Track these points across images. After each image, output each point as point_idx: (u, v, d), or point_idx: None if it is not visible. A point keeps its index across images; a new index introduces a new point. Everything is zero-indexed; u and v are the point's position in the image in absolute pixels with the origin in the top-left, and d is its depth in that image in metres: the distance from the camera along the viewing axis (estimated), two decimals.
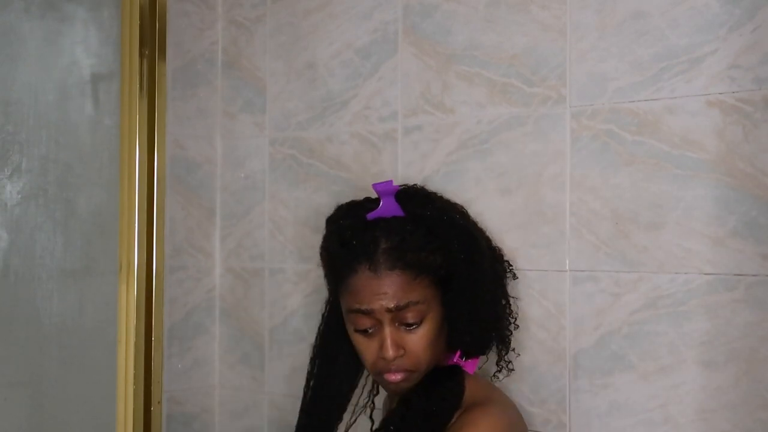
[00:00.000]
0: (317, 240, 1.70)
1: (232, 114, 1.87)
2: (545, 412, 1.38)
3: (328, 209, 1.69)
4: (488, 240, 1.33)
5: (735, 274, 1.22)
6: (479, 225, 1.33)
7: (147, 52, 1.74)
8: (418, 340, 1.18)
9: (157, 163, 1.75)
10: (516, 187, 1.43)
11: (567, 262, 1.37)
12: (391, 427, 1.19)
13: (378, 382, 1.26)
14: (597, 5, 1.35)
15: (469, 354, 1.26)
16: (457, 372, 1.24)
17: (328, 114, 1.70)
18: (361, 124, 1.64)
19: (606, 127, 1.34)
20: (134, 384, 1.69)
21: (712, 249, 1.24)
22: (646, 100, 1.30)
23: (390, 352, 1.17)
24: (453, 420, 1.18)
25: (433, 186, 1.52)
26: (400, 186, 1.27)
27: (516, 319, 1.32)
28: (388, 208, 1.22)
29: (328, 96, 1.70)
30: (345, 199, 1.66)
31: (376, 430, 1.24)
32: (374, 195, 1.26)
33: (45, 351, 1.71)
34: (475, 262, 1.22)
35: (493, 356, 1.31)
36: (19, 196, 1.68)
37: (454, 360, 1.26)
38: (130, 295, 1.71)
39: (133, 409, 1.70)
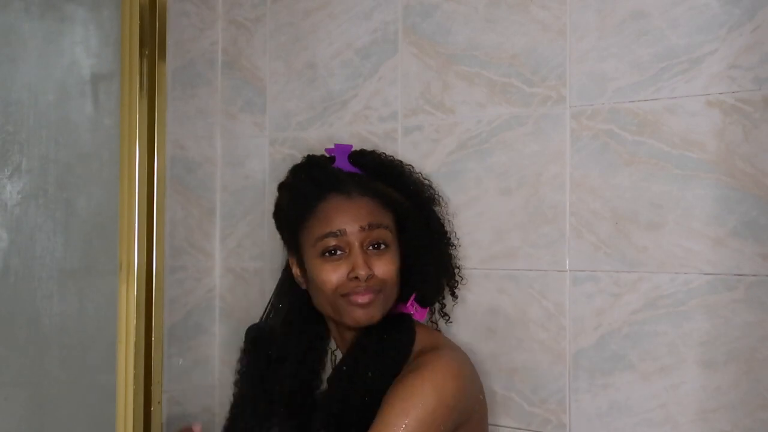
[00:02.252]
0: None
1: (232, 114, 1.87)
2: (545, 412, 1.38)
3: None
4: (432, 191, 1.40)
5: (735, 274, 1.22)
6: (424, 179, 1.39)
7: (147, 52, 1.74)
8: (386, 264, 1.23)
9: (157, 163, 1.75)
10: (516, 187, 1.43)
11: (567, 262, 1.37)
12: (344, 369, 1.23)
13: (340, 309, 1.24)
14: (597, 5, 1.35)
15: (420, 301, 1.30)
16: (408, 319, 1.28)
17: (328, 114, 1.70)
18: (361, 124, 1.64)
19: (606, 127, 1.34)
20: (134, 384, 1.69)
21: (712, 249, 1.24)
22: (646, 100, 1.30)
23: (362, 271, 1.20)
24: (404, 366, 1.21)
25: (433, 186, 1.52)
26: (353, 148, 1.35)
27: (460, 270, 1.39)
28: (345, 165, 1.30)
29: (328, 96, 1.70)
30: None
31: (329, 377, 1.27)
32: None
33: (45, 351, 1.71)
34: (427, 207, 1.33)
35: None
36: (19, 196, 1.68)
37: (406, 307, 1.29)
38: (130, 295, 1.71)
39: (133, 409, 1.70)
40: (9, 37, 1.68)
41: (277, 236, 1.78)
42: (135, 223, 1.71)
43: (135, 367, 1.70)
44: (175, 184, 1.80)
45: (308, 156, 1.36)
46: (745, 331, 1.21)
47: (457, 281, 1.38)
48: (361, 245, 1.22)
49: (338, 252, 1.23)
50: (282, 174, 1.77)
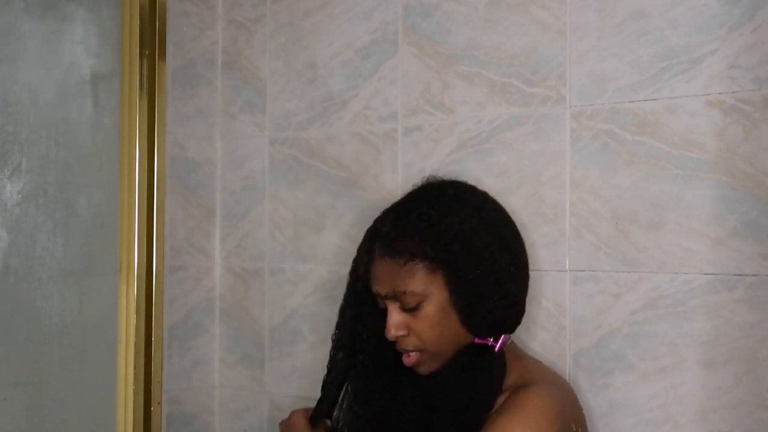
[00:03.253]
0: (317, 240, 1.71)
1: (232, 114, 1.87)
2: None
3: (328, 209, 1.69)
4: (495, 229, 1.25)
5: (735, 274, 1.22)
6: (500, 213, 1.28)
7: (147, 52, 1.74)
8: (420, 322, 1.19)
9: (157, 163, 1.75)
10: (516, 187, 1.43)
11: (567, 262, 1.37)
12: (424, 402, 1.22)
13: None
14: (597, 5, 1.35)
15: (490, 334, 1.21)
16: (486, 352, 1.20)
17: (328, 114, 1.70)
18: (361, 124, 1.64)
19: (606, 127, 1.34)
20: (134, 384, 1.69)
21: (712, 249, 1.24)
22: (646, 100, 1.30)
23: (390, 333, 1.20)
24: (495, 406, 1.16)
25: None
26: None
27: (518, 296, 1.25)
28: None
29: (328, 96, 1.70)
30: (345, 199, 1.67)
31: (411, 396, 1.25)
32: None
33: (45, 351, 1.71)
34: (470, 243, 1.19)
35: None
36: (19, 196, 1.67)
37: (478, 339, 1.21)
38: (130, 295, 1.71)
39: (133, 409, 1.69)
40: (9, 37, 1.68)
41: (278, 236, 1.79)
42: (135, 223, 1.71)
43: (135, 367, 1.70)
44: (175, 184, 1.80)
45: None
46: (745, 331, 1.21)
47: (511, 308, 1.23)
48: (393, 304, 1.20)
49: (385, 306, 1.23)
50: (282, 173, 1.78)
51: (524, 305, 1.25)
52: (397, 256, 1.18)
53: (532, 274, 1.41)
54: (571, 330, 1.37)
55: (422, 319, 1.18)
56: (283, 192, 1.77)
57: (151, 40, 1.75)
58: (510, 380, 1.19)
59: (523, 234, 1.42)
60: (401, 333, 1.20)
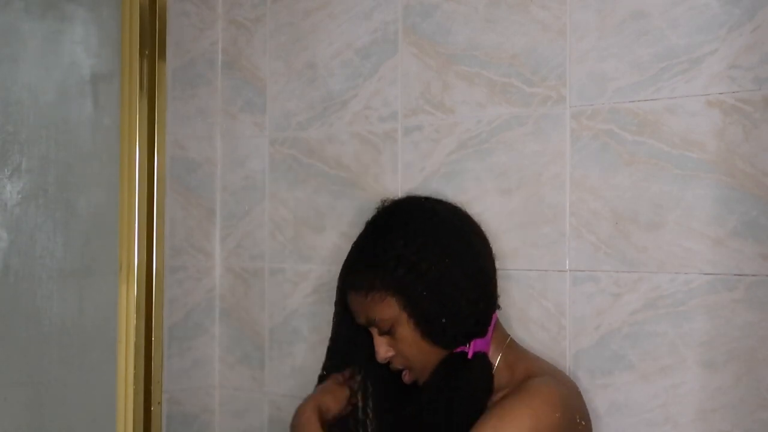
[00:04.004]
0: (317, 240, 1.71)
1: (232, 114, 1.87)
2: None
3: (328, 209, 1.69)
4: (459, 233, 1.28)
5: (735, 274, 1.22)
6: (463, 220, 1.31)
7: (147, 52, 1.74)
8: (399, 343, 1.24)
9: (157, 163, 1.75)
10: (516, 187, 1.43)
11: (567, 262, 1.37)
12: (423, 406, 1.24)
13: None
14: (597, 5, 1.35)
15: (456, 344, 1.24)
16: (471, 359, 1.23)
17: (328, 114, 1.70)
18: (361, 124, 1.64)
19: (606, 127, 1.34)
20: (134, 384, 1.69)
21: (712, 249, 1.24)
22: (646, 100, 1.30)
23: (379, 357, 1.25)
24: (500, 396, 1.19)
25: (433, 186, 1.52)
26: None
27: (486, 288, 1.26)
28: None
29: (328, 96, 1.70)
30: (345, 199, 1.67)
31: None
32: None
33: (45, 351, 1.71)
34: (422, 262, 1.21)
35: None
36: (19, 196, 1.67)
37: (456, 349, 1.24)
38: (130, 295, 1.71)
39: (133, 409, 1.69)
40: (9, 37, 1.68)
41: (278, 236, 1.79)
42: (135, 223, 1.71)
43: (135, 367, 1.70)
44: (175, 184, 1.80)
45: None
46: (745, 331, 1.21)
47: (488, 310, 1.26)
48: (375, 330, 1.26)
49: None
50: (282, 173, 1.78)
51: (491, 305, 1.26)
52: (359, 289, 1.24)
53: (532, 274, 1.41)
54: (571, 330, 1.37)
55: (400, 340, 1.24)
56: (283, 192, 1.77)
57: (151, 40, 1.75)
58: (516, 375, 1.23)
59: (523, 234, 1.42)
60: (390, 354, 1.25)
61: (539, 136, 1.41)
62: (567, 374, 1.31)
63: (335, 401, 1.36)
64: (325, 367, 1.39)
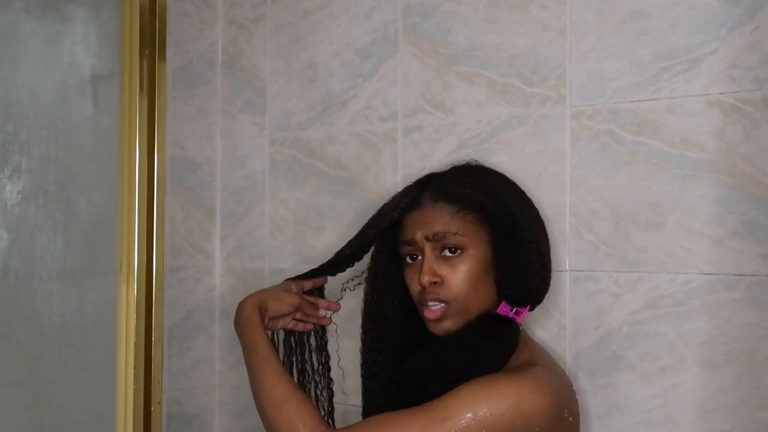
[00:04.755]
0: (317, 240, 1.71)
1: (232, 114, 1.87)
2: None
3: (328, 209, 1.69)
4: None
5: (735, 274, 1.22)
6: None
7: (147, 52, 1.74)
8: (457, 272, 1.21)
9: (157, 163, 1.75)
10: None
11: (567, 262, 1.37)
12: (434, 356, 1.22)
13: (422, 318, 1.25)
14: (597, 5, 1.35)
15: (517, 302, 1.24)
16: (511, 324, 1.23)
17: (328, 114, 1.70)
18: (361, 124, 1.64)
19: (606, 127, 1.34)
20: (134, 384, 1.69)
21: (712, 249, 1.24)
22: (646, 100, 1.30)
23: (425, 277, 1.20)
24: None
25: None
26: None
27: (548, 270, 1.29)
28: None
29: (328, 96, 1.70)
30: (345, 199, 1.67)
31: (411, 365, 1.25)
32: None
33: (45, 351, 1.72)
34: (524, 212, 1.27)
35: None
36: (19, 196, 1.68)
37: (501, 309, 1.24)
38: (130, 295, 1.71)
39: (133, 409, 1.69)
40: (9, 37, 1.68)
41: (278, 236, 1.78)
42: (135, 223, 1.71)
43: (135, 367, 1.70)
44: (175, 184, 1.80)
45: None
46: (745, 331, 1.21)
47: (546, 281, 1.28)
48: (433, 251, 1.22)
49: (414, 257, 1.25)
50: (282, 173, 1.78)
51: (548, 283, 1.28)
52: (454, 202, 1.22)
53: None
54: (571, 330, 1.37)
55: (459, 269, 1.20)
56: (283, 192, 1.77)
57: (151, 40, 1.75)
58: (517, 361, 1.20)
59: None
60: (435, 279, 1.21)
61: (539, 136, 1.41)
62: (566, 372, 1.31)
63: (279, 305, 1.33)
64: (327, 265, 1.36)
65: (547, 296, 1.39)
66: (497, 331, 1.22)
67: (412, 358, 1.26)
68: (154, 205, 1.74)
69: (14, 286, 1.67)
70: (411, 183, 1.31)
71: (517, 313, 1.24)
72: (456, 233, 1.20)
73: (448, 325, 1.22)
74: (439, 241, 1.21)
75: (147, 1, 1.75)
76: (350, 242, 1.34)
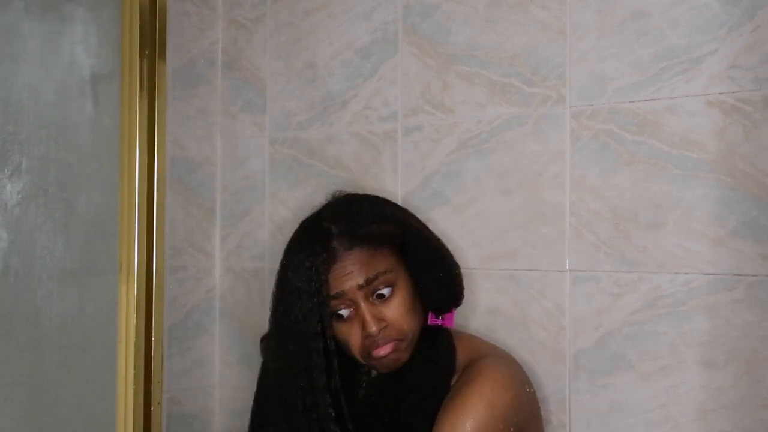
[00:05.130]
0: None
1: (232, 114, 1.87)
2: (545, 412, 1.38)
3: None
4: None
5: (735, 274, 1.22)
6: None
7: (147, 52, 1.74)
8: (396, 309, 1.20)
9: (157, 163, 1.75)
10: (516, 187, 1.43)
11: (567, 262, 1.37)
12: (389, 389, 1.23)
13: (372, 366, 1.25)
14: (597, 5, 1.35)
15: (442, 309, 1.27)
16: (442, 332, 1.26)
17: (328, 114, 1.70)
18: (361, 124, 1.64)
19: (606, 127, 1.34)
20: (134, 384, 1.69)
21: (712, 249, 1.24)
22: (646, 100, 1.30)
23: (373, 327, 1.18)
24: (453, 381, 1.20)
25: (433, 186, 1.52)
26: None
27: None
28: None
29: (328, 96, 1.70)
30: None
31: (367, 393, 1.27)
32: None
33: (45, 351, 1.72)
34: (420, 226, 1.31)
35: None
36: (19, 196, 1.68)
37: (431, 321, 1.26)
38: (130, 295, 1.71)
39: (133, 409, 1.70)
40: (9, 37, 1.68)
41: (278, 236, 1.79)
42: (135, 223, 1.71)
43: (135, 367, 1.70)
44: (175, 184, 1.80)
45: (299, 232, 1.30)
46: (745, 331, 1.21)
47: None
48: (366, 299, 1.20)
49: (347, 314, 1.22)
50: (282, 173, 1.78)
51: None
52: (366, 244, 1.21)
53: (532, 274, 1.41)
54: (571, 330, 1.37)
55: (395, 305, 1.20)
56: (283, 192, 1.77)
57: (151, 40, 1.76)
58: (460, 360, 1.23)
59: (523, 234, 1.42)
60: (383, 325, 1.20)
61: (539, 136, 1.41)
62: (497, 344, 1.32)
63: None
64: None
65: (547, 296, 1.39)
66: (438, 344, 1.24)
67: (371, 398, 1.26)
68: (154, 205, 1.74)
69: (14, 286, 1.67)
70: (295, 243, 1.26)
71: (443, 319, 1.26)
72: (385, 272, 1.20)
73: (397, 356, 1.22)
74: (371, 284, 1.19)
75: (147, 1, 1.75)
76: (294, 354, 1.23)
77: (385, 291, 1.20)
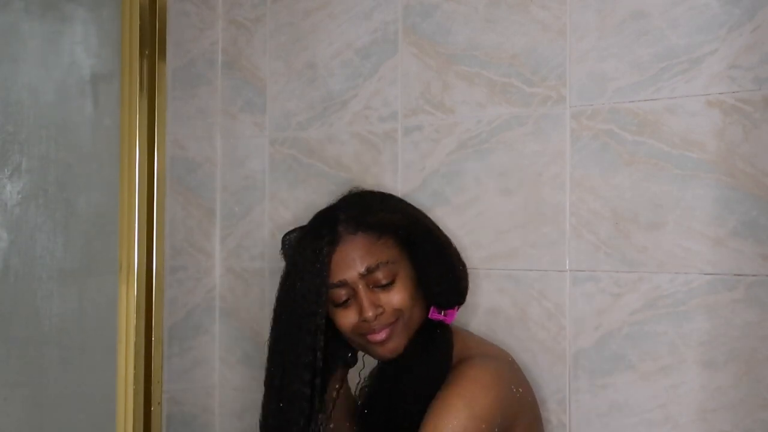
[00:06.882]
0: None
1: (232, 114, 1.87)
2: (545, 412, 1.38)
3: None
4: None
5: (735, 274, 1.22)
6: None
7: (147, 52, 1.74)
8: (395, 297, 1.22)
9: (157, 163, 1.75)
10: (516, 187, 1.43)
11: (567, 262, 1.37)
12: (385, 384, 1.24)
13: (365, 350, 1.27)
14: (597, 5, 1.35)
15: (445, 305, 1.27)
16: (442, 327, 1.26)
17: (328, 114, 1.70)
18: (361, 124, 1.64)
19: (606, 127, 1.34)
20: (134, 384, 1.69)
21: (712, 249, 1.24)
22: (646, 100, 1.30)
23: (369, 313, 1.20)
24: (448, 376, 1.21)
25: (433, 186, 1.52)
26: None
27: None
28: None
29: (328, 96, 1.70)
30: None
31: (367, 384, 1.27)
32: None
33: (45, 351, 1.72)
34: (429, 222, 1.31)
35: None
36: (19, 196, 1.68)
37: (432, 315, 1.27)
38: (130, 295, 1.71)
39: (133, 409, 1.70)
40: (9, 37, 1.69)
41: (278, 236, 1.78)
42: (135, 223, 1.71)
43: (135, 367, 1.70)
44: (175, 184, 1.80)
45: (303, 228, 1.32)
46: (745, 331, 1.21)
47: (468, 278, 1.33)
48: (366, 287, 1.22)
49: (348, 301, 1.23)
50: (282, 173, 1.78)
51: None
52: (371, 230, 1.23)
53: (532, 273, 1.41)
54: (571, 330, 1.37)
55: (394, 292, 1.22)
56: (283, 192, 1.77)
57: (151, 40, 1.76)
58: (454, 357, 1.24)
59: (523, 234, 1.42)
60: (380, 311, 1.21)
61: (539, 136, 1.41)
62: (498, 346, 1.31)
63: None
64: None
65: (547, 296, 1.39)
66: (437, 337, 1.25)
67: (371, 390, 1.27)
68: (154, 205, 1.75)
69: (14, 286, 1.67)
70: (307, 226, 1.29)
71: (446, 314, 1.27)
72: (387, 262, 1.21)
73: (394, 345, 1.23)
74: (372, 273, 1.21)
75: (147, 1, 1.75)
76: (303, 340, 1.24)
77: (386, 282, 1.22)
